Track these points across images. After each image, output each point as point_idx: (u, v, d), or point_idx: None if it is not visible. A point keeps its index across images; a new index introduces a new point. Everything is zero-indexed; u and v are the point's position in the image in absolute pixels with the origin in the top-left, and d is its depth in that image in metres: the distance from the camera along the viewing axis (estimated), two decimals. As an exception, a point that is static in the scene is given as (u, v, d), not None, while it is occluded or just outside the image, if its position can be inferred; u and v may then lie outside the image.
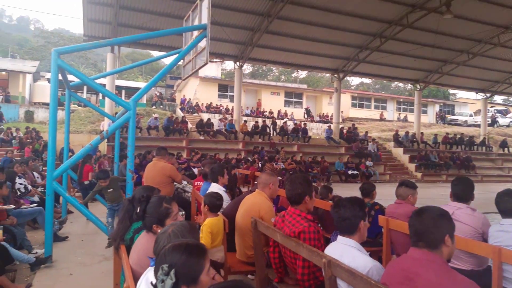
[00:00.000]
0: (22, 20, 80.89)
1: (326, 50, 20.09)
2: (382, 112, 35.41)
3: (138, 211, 2.63)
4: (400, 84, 51.41)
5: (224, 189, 4.81)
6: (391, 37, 18.51)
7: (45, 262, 4.73)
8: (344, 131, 23.02)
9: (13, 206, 5.61)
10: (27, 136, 15.98)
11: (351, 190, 12.84)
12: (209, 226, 3.47)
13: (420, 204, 2.17)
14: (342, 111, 27.09)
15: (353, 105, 35.21)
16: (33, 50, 48.85)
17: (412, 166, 21.53)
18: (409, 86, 33.62)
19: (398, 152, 23.01)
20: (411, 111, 33.27)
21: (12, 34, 61.21)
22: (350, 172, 18.40)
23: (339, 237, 2.42)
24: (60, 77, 5.44)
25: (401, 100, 38.75)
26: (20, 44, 52.80)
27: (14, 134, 16.17)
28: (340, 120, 23.87)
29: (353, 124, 24.68)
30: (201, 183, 5.78)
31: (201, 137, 19.05)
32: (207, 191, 4.37)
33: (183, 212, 4.11)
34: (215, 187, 4.69)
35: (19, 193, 6.73)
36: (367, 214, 2.73)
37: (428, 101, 38.29)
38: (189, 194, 6.64)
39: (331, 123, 23.87)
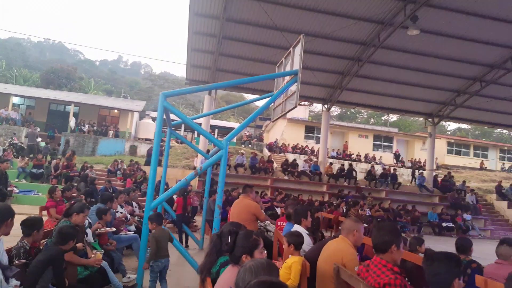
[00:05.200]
0: (135, 64, 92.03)
1: (420, 94, 19.31)
2: (482, 160, 32.30)
3: (228, 241, 2.81)
4: (505, 131, 46.67)
5: (307, 232, 4.81)
6: (493, 81, 17.17)
7: None
8: (439, 179, 21.39)
9: (114, 229, 6.22)
10: (130, 168, 17.65)
11: (444, 244, 11.80)
12: (300, 263, 3.51)
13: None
14: (436, 158, 25.35)
15: (449, 152, 32.79)
16: (141, 91, 54.92)
17: (518, 223, 19.07)
18: (516, 133, 30.57)
19: (502, 205, 20.60)
20: (518, 160, 29.89)
21: (126, 77, 69.84)
22: (444, 224, 16.89)
23: (429, 294, 2.29)
24: (164, 117, 6.06)
25: (505, 148, 35.10)
26: (131, 86, 59.85)
27: (119, 166, 18.00)
28: (434, 167, 22.31)
29: (449, 172, 22.85)
30: (284, 224, 5.84)
31: (286, 177, 19.21)
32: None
33: (265, 251, 4.20)
34: (298, 229, 4.71)
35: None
36: (463, 273, 2.55)
37: (540, 150, 34.11)
38: (271, 233, 6.72)
39: (423, 170, 22.42)
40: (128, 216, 8.06)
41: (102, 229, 5.81)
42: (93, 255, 4.71)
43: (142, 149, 24.31)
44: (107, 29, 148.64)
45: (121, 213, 7.53)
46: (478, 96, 18.55)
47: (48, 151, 18.36)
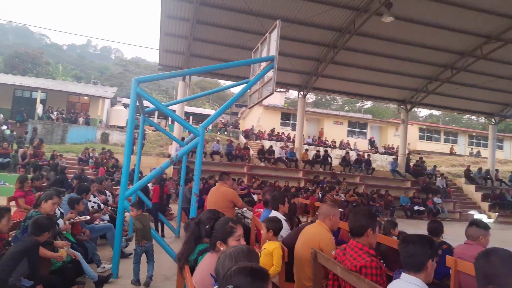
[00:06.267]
0: (105, 49, 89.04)
1: (393, 81, 19.65)
2: (452, 146, 33.43)
3: (207, 227, 2.80)
4: (473, 117, 48.35)
5: (284, 218, 4.83)
6: (463, 68, 17.67)
7: (107, 280, 5.01)
8: (411, 164, 21.98)
9: (88, 217, 6.06)
10: (102, 156, 17.24)
11: (416, 227, 12.17)
12: (281, 248, 3.54)
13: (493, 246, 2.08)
14: (409, 144, 26.00)
15: (421, 138, 33.71)
16: (112, 77, 53.38)
17: (485, 205, 19.90)
18: (482, 119, 31.70)
19: (470, 189, 21.46)
20: (485, 146, 31.03)
21: (95, 62, 67.42)
22: (416, 208, 17.42)
23: (403, 275, 2.33)
24: (137, 103, 5.90)
25: (474, 134, 36.41)
26: (101, 72, 57.94)
27: (91, 154, 17.55)
28: (407, 153, 22.90)
29: (421, 157, 23.53)
30: (261, 210, 5.84)
31: (262, 164, 19.26)
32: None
33: (243, 240, 4.19)
34: (275, 215, 4.72)
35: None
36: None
37: (505, 136, 35.64)
38: (249, 220, 6.73)
39: (397, 155, 22.98)
40: (102, 205, 7.88)
41: (76, 218, 5.65)
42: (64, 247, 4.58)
43: (114, 137, 23.78)
44: (74, 11, 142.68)
45: (92, 206, 7.31)
46: (449, 83, 19.05)
47: (14, 139, 17.64)
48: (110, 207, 8.45)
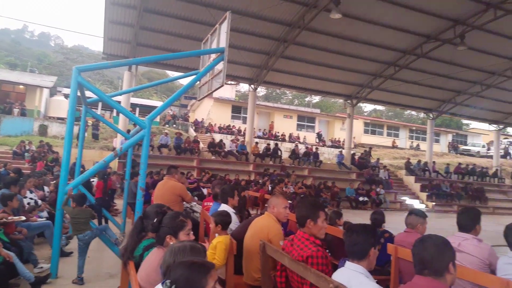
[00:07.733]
0: (43, 36, 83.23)
1: (340, 76, 20.26)
2: (394, 139, 35.26)
3: (154, 222, 2.71)
4: (413, 113, 51.33)
5: (234, 211, 4.80)
6: (405, 66, 18.61)
7: (44, 281, 4.71)
8: (356, 157, 22.86)
9: (24, 218, 5.65)
10: (40, 150, 16.19)
11: (361, 217, 12.71)
12: (225, 243, 3.49)
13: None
14: (354, 137, 27.02)
15: (366, 131, 35.19)
16: (52, 66, 50.16)
17: (423, 195, 21.23)
18: (422, 114, 33.71)
19: (410, 180, 22.77)
20: (424, 139, 33.11)
21: (33, 49, 62.74)
22: (360, 198, 18.20)
23: (347, 263, 2.41)
24: (78, 93, 5.57)
25: (414, 128, 38.66)
26: (39, 59, 54.14)
27: (27, 147, 16.40)
28: (352, 146, 23.79)
29: (365, 150, 24.56)
30: (211, 204, 5.78)
31: (212, 157, 19.12)
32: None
33: (192, 234, 4.11)
34: (224, 208, 4.68)
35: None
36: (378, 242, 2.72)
37: (441, 130, 38.10)
38: (197, 214, 6.64)
39: (343, 148, 23.78)
40: (39, 201, 7.40)
41: (9, 218, 5.23)
42: None
43: (54, 129, 22.39)
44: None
45: (29, 203, 6.83)
46: (392, 79, 20.01)
47: None
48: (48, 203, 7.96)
